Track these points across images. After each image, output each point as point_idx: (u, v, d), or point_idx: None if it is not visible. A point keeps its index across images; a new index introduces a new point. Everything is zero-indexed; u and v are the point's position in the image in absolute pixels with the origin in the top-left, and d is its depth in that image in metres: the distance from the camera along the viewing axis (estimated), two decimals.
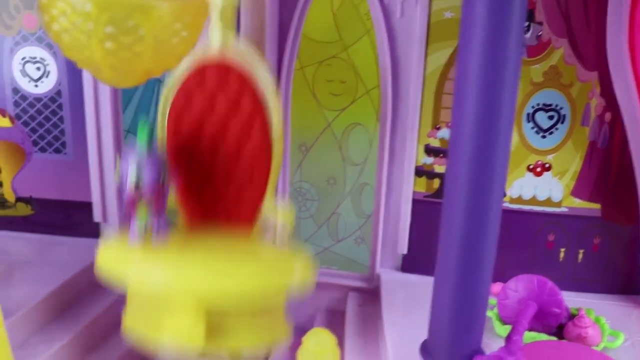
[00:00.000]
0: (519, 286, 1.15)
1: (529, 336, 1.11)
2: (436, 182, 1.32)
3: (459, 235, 0.83)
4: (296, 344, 1.35)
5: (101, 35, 0.73)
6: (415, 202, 1.33)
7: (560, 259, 1.32)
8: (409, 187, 1.32)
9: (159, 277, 0.92)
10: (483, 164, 0.78)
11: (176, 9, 0.78)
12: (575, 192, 1.30)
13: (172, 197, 1.08)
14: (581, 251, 1.32)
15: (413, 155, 1.30)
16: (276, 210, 1.04)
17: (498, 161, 0.78)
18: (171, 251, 1.00)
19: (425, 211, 1.33)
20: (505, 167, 0.79)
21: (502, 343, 1.08)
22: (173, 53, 0.80)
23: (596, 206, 1.29)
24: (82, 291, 1.31)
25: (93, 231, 1.45)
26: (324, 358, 0.76)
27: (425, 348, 0.90)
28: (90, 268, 1.33)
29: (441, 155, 1.30)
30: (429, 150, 1.30)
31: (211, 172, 1.06)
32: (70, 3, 0.72)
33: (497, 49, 0.73)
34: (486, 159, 0.78)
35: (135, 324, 1.00)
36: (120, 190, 1.06)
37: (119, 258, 0.99)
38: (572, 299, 1.19)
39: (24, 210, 1.45)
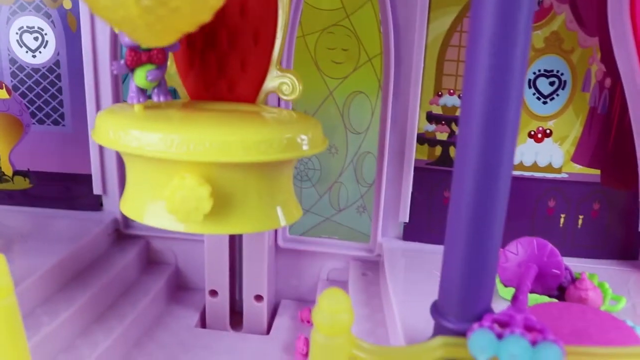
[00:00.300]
0: (519, 249, 1.17)
1: (532, 298, 1.13)
2: (438, 150, 1.32)
3: (470, 196, 0.84)
4: (303, 313, 1.36)
5: None
6: (417, 169, 1.33)
7: (561, 225, 1.34)
8: (410, 154, 1.32)
9: (158, 136, 0.82)
10: (494, 129, 0.79)
11: None
12: (576, 158, 1.31)
13: (173, 64, 0.99)
14: (581, 217, 1.33)
15: (415, 122, 1.30)
16: (281, 78, 0.98)
17: (508, 127, 0.78)
18: (172, 114, 0.91)
19: (427, 179, 1.33)
20: (516, 132, 0.79)
21: (504, 305, 1.10)
22: (207, 5, 0.78)
23: (596, 172, 1.31)
24: (84, 264, 1.30)
25: (93, 204, 1.44)
26: (339, 317, 0.76)
27: (436, 308, 0.90)
28: (92, 241, 1.34)
29: (443, 122, 1.30)
30: (431, 118, 1.31)
31: (213, 35, 0.96)
32: None
33: (508, 19, 0.74)
34: (497, 125, 0.78)
35: (133, 201, 0.92)
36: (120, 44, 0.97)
37: (118, 122, 0.88)
38: (572, 264, 1.21)
39: (21, 183, 1.44)
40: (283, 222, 0.96)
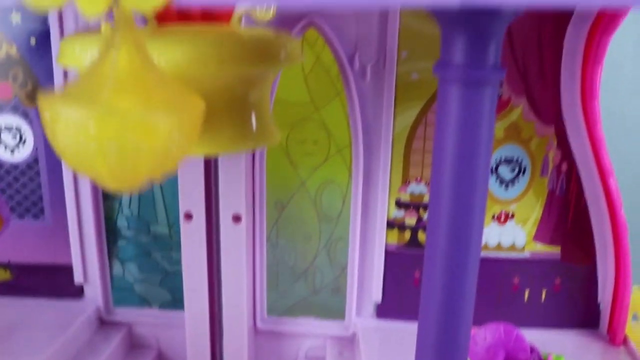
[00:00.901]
0: (487, 334, 1.23)
1: None
2: (407, 234, 1.38)
3: (439, 292, 0.93)
4: None
5: (104, 152, 0.76)
6: (388, 252, 1.39)
7: (525, 300, 1.41)
8: (381, 239, 1.38)
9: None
10: (461, 219, 0.87)
11: (175, 122, 0.81)
12: (537, 237, 1.38)
13: None
14: (544, 291, 1.40)
15: (385, 209, 1.36)
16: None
17: (476, 215, 0.87)
18: (142, 32, 0.88)
19: (398, 261, 1.40)
20: (482, 219, 0.87)
21: None
22: (172, 160, 0.83)
23: (556, 250, 1.38)
24: (70, 356, 1.34)
25: (74, 292, 1.47)
26: None
27: None
28: (76, 331, 1.37)
29: (411, 208, 1.37)
30: (400, 204, 1.37)
31: None
32: (73, 123, 0.75)
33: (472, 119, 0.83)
34: (465, 214, 0.87)
35: None
36: None
37: (84, 40, 0.87)
38: (537, 336, 1.28)
39: (2, 275, 1.47)
40: (260, 142, 0.99)
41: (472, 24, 0.84)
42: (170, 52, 0.88)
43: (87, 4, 0.67)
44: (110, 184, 0.83)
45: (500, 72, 0.89)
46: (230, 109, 0.96)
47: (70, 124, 0.76)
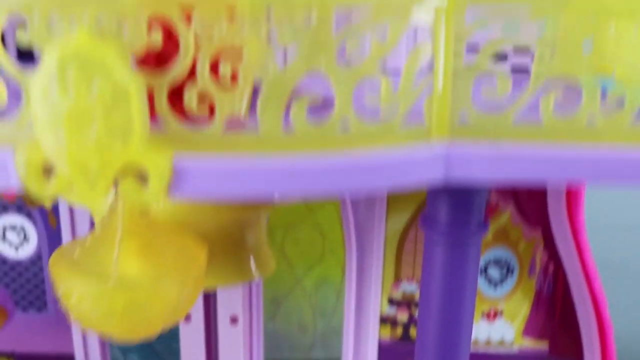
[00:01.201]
0: None
1: None
2: (399, 330, 1.43)
3: None
4: None
5: (117, 318, 0.80)
6: (381, 347, 1.43)
7: None
8: (374, 334, 1.42)
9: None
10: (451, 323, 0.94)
11: (183, 282, 0.85)
12: (526, 333, 1.42)
13: None
14: None
15: (377, 306, 1.40)
16: None
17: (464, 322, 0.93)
18: None
19: (391, 355, 1.44)
20: (471, 323, 0.93)
21: None
22: (183, 309, 0.88)
23: (544, 344, 1.42)
24: None
25: None
26: None
27: None
28: None
29: (403, 305, 1.41)
30: (392, 302, 1.41)
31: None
32: (85, 298, 0.79)
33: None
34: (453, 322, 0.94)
35: None
36: None
37: None
38: None
39: None
40: (257, 275, 1.05)
41: (455, 193, 0.88)
42: (168, 202, 0.93)
43: (87, 200, 0.71)
44: (123, 340, 0.88)
45: (484, 228, 0.93)
46: (226, 249, 1.01)
47: (83, 299, 0.81)
